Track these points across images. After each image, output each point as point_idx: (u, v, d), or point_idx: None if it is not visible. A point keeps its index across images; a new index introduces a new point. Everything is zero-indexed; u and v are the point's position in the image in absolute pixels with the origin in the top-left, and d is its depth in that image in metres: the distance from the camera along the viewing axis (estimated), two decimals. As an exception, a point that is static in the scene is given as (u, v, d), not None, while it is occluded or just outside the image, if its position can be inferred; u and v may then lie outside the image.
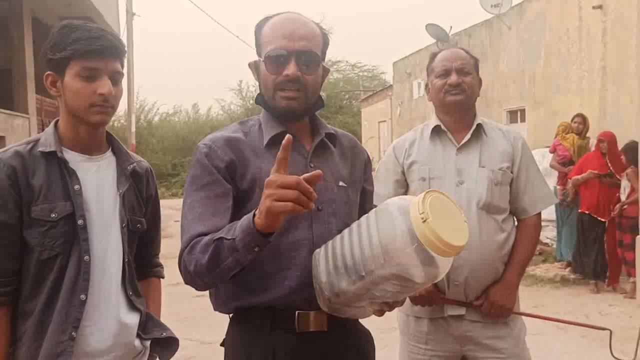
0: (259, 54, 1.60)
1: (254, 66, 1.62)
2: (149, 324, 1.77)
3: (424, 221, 1.26)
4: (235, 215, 1.50)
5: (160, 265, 1.99)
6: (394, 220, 1.32)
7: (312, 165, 1.59)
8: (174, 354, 1.82)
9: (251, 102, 29.07)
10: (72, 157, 1.65)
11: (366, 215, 1.43)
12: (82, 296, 1.59)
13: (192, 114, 30.98)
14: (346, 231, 1.45)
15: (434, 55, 2.32)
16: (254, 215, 1.33)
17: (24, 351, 1.58)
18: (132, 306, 1.71)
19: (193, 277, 1.46)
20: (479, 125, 2.25)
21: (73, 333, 1.57)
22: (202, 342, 4.87)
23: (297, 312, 1.53)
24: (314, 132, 1.66)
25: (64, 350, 1.56)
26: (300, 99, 1.54)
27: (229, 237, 1.37)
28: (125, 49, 1.69)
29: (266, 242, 1.35)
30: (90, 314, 1.61)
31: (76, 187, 1.61)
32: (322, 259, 1.46)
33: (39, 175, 1.59)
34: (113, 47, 1.62)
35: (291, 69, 1.51)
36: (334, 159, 1.67)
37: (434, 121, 2.30)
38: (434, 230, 1.26)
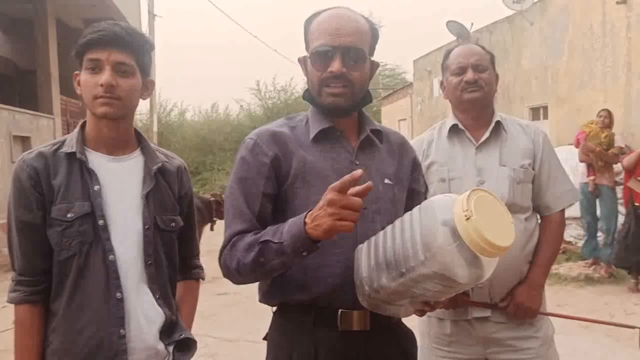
0: (307, 50, 1.60)
1: (302, 61, 1.62)
2: (175, 329, 1.72)
3: (468, 219, 1.24)
4: (281, 211, 1.53)
5: (199, 267, 1.92)
6: (437, 216, 1.29)
7: (357, 163, 1.58)
8: (192, 355, 1.77)
9: (269, 102, 29.05)
10: (95, 158, 1.64)
11: (410, 211, 1.40)
12: (118, 294, 1.59)
13: (212, 113, 31.00)
14: (389, 227, 1.43)
15: (448, 52, 2.26)
16: (305, 222, 1.34)
17: (51, 350, 1.59)
18: (156, 310, 1.66)
19: (233, 274, 1.51)
20: (498, 122, 2.19)
21: (122, 331, 1.58)
22: (224, 340, 4.86)
23: (340, 311, 1.53)
24: (361, 128, 1.64)
25: (119, 350, 1.57)
26: (346, 94, 1.54)
27: (276, 241, 1.39)
28: (143, 42, 1.64)
29: (315, 247, 1.37)
30: None
31: (96, 187, 1.59)
32: (364, 254, 1.45)
33: (60, 175, 1.60)
34: (116, 37, 1.58)
35: (336, 65, 1.51)
36: (381, 156, 1.65)
37: (451, 120, 2.24)
38: (478, 229, 1.23)
